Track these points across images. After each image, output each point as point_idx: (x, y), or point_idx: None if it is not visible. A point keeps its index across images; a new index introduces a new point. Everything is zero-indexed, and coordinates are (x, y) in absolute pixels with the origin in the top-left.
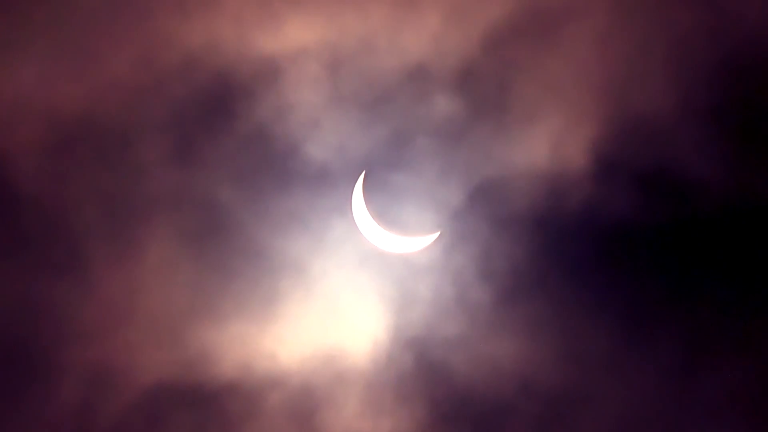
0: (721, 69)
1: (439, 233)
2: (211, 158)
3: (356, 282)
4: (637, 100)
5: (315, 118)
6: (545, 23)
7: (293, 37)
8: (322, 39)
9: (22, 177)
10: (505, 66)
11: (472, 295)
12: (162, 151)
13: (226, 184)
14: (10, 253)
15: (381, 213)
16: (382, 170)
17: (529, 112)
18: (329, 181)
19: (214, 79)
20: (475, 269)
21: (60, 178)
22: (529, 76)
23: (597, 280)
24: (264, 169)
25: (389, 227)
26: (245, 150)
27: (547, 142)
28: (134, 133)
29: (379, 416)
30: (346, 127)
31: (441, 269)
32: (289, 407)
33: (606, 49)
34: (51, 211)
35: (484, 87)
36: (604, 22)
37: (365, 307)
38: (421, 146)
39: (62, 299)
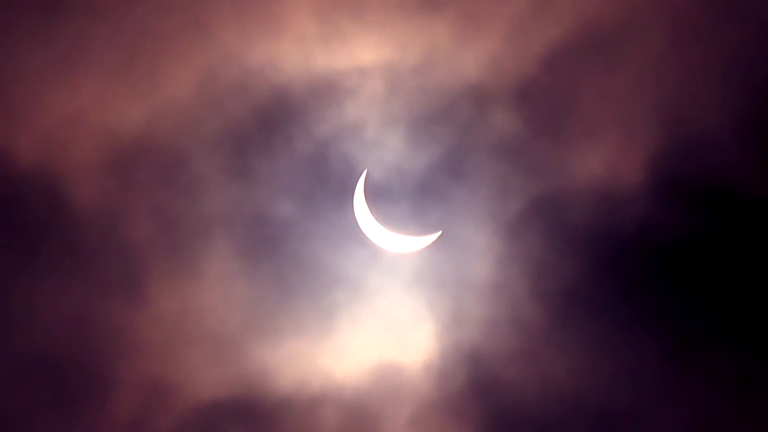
0: None
1: (440, 233)
2: (269, 175)
3: (411, 298)
4: (693, 118)
5: (373, 135)
6: (603, 42)
7: (354, 55)
8: (382, 57)
9: (81, 194)
10: (563, 84)
11: (525, 312)
12: (219, 169)
13: (284, 201)
14: (69, 269)
15: (437, 229)
16: (440, 187)
17: (586, 129)
18: (386, 198)
19: (273, 96)
20: (528, 286)
21: (118, 195)
22: (586, 94)
23: (652, 298)
24: (321, 186)
25: (444, 245)
26: (303, 167)
27: (604, 160)
28: (192, 150)
29: None
30: (404, 144)
31: (495, 286)
32: (343, 423)
33: (662, 67)
34: (109, 228)
35: (542, 104)
36: (660, 40)
37: (419, 324)
38: (478, 163)
39: (119, 315)
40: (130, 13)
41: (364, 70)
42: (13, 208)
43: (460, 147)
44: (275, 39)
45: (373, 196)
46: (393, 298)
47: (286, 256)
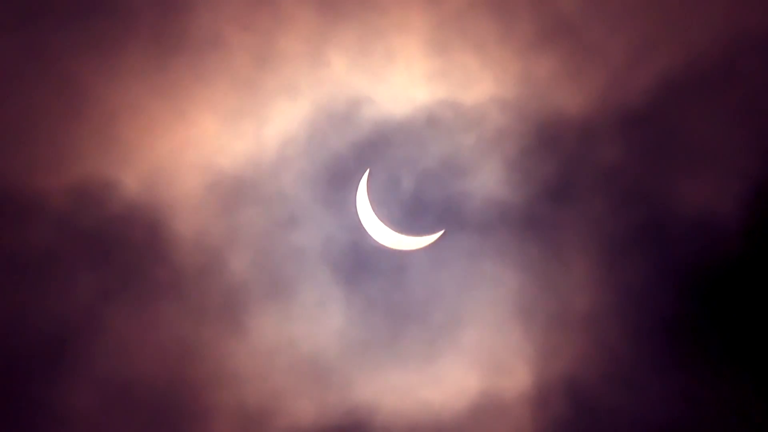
0: None
1: (443, 231)
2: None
3: (510, 328)
4: None
5: (477, 166)
6: (708, 74)
7: (461, 88)
8: (493, 91)
9: (184, 225)
10: (668, 116)
11: (621, 342)
12: (317, 199)
13: (380, 231)
14: (170, 297)
15: (537, 261)
16: (542, 218)
17: (689, 160)
18: (487, 229)
19: (376, 129)
20: (625, 315)
21: (219, 227)
22: (690, 126)
23: (748, 331)
24: (419, 217)
25: (543, 275)
26: (408, 196)
27: (705, 191)
28: (292, 183)
29: None
30: (508, 175)
31: (592, 315)
32: None
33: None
34: (209, 258)
35: (646, 136)
36: (762, 79)
37: (517, 353)
38: (580, 194)
39: (218, 343)
40: (237, 49)
41: (475, 104)
42: (118, 237)
43: (564, 178)
44: (383, 73)
45: (474, 226)
46: (493, 328)
47: (384, 286)
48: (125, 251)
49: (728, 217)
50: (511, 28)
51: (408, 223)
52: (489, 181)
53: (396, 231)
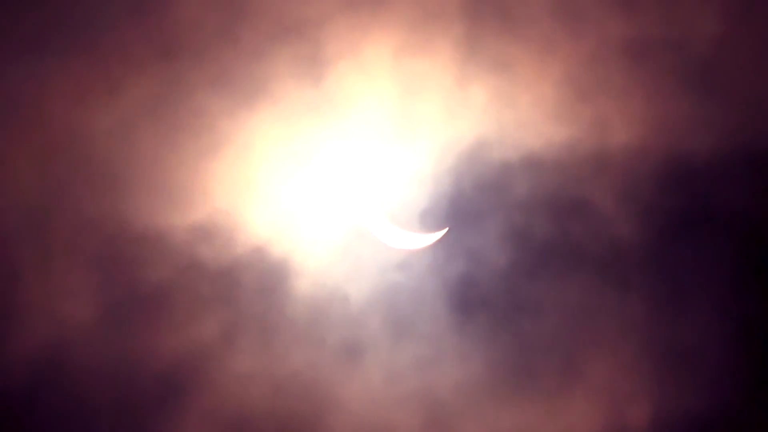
0: None
1: (447, 229)
2: (474, 245)
3: (630, 364)
4: None
5: (589, 204)
6: None
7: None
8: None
9: (306, 266)
10: None
11: (746, 377)
12: (431, 234)
13: (484, 271)
14: (288, 332)
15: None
16: (666, 251)
17: None
18: (611, 266)
19: (496, 167)
20: (748, 351)
21: (338, 266)
22: None
23: None
24: (528, 251)
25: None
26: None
27: None
28: (403, 223)
29: None
30: (632, 210)
31: (713, 353)
32: None
33: None
34: (329, 293)
35: None
36: None
37: (640, 389)
38: (707, 228)
39: (332, 376)
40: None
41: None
42: (240, 276)
43: (688, 216)
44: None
45: (594, 261)
46: (614, 361)
47: (501, 321)
48: (246, 290)
49: None
50: (641, 71)
51: (526, 259)
52: (611, 217)
53: (511, 267)
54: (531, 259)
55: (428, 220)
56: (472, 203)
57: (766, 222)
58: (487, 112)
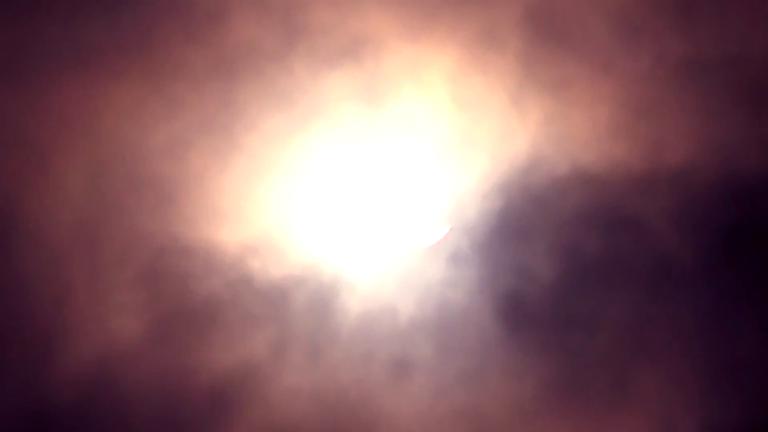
0: None
1: (449, 227)
2: (518, 259)
3: (678, 380)
4: None
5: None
6: None
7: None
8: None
9: (358, 291)
10: None
11: None
12: (477, 245)
13: (533, 284)
14: (336, 346)
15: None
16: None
17: None
18: (660, 281)
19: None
20: None
21: (386, 291)
22: None
23: None
24: (576, 265)
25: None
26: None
27: None
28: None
29: None
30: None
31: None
32: None
33: None
34: (378, 307)
35: None
36: None
37: (688, 405)
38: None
39: (377, 389)
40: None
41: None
42: (293, 293)
43: (739, 233)
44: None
45: (643, 276)
46: (662, 377)
47: (549, 335)
48: (296, 307)
49: None
50: (696, 88)
51: (575, 274)
52: (662, 234)
53: (559, 279)
54: (581, 275)
55: (479, 237)
56: (522, 219)
57: None
58: (543, 130)
